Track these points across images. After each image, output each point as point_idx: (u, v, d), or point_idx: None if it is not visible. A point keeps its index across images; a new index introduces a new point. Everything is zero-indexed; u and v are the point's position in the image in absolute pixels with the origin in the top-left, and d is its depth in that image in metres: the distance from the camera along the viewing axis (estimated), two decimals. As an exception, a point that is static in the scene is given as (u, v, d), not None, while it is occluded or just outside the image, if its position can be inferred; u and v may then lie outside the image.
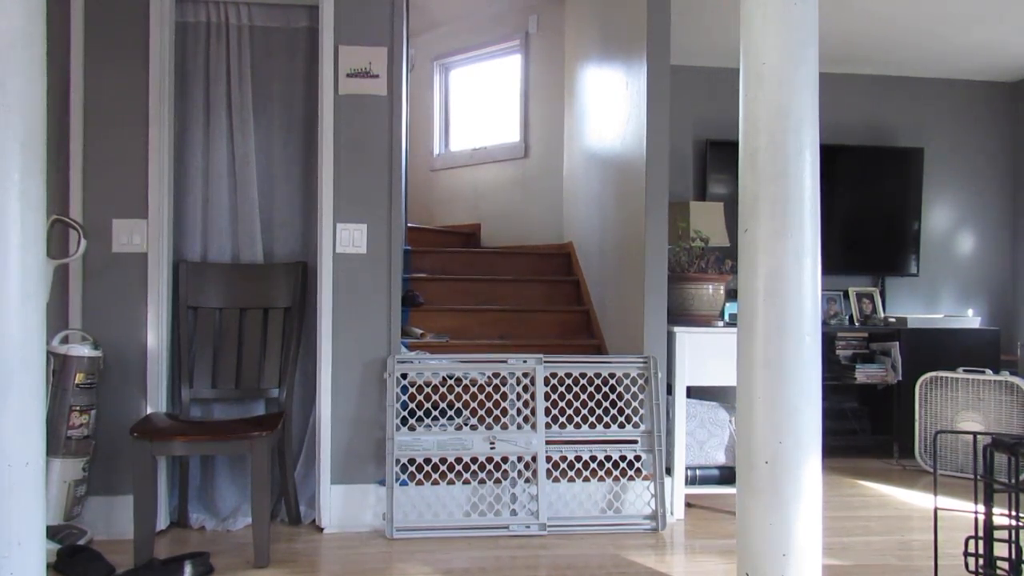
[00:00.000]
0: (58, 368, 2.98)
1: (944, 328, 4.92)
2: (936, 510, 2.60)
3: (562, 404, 3.46)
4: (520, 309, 4.42)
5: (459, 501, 3.33)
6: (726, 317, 3.91)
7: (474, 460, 3.38)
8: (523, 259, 4.98)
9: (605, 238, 4.29)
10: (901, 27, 4.51)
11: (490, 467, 3.40)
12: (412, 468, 3.37)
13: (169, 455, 3.21)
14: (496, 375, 3.48)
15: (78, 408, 3.00)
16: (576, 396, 3.55)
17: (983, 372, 4.41)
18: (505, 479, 3.36)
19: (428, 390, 3.48)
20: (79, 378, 3.00)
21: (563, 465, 3.43)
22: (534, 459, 3.34)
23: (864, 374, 4.83)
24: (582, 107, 4.81)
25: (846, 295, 5.18)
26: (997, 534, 2.52)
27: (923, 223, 5.34)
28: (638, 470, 3.48)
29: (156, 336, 3.27)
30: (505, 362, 3.46)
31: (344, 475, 3.35)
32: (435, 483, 3.33)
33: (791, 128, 2.17)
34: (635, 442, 3.45)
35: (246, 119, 3.50)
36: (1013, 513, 2.43)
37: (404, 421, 3.35)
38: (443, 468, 3.37)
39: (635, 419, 3.48)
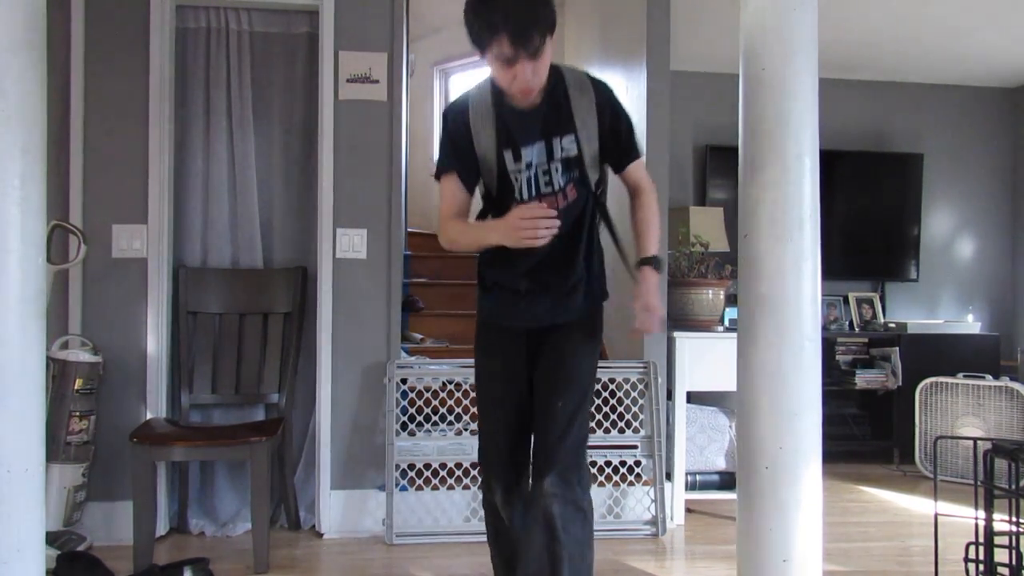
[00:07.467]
0: (58, 374, 2.97)
1: (944, 333, 4.92)
2: (936, 516, 2.59)
3: (562, 409, 3.45)
4: (520, 314, 4.40)
5: (459, 507, 3.32)
6: (726, 322, 3.90)
7: (474, 465, 3.37)
8: (523, 264, 4.97)
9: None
10: (901, 33, 4.52)
11: (490, 472, 3.39)
12: (412, 473, 3.36)
13: (169, 460, 3.21)
14: (496, 380, 3.47)
15: (78, 414, 2.99)
16: (576, 401, 3.53)
17: (983, 377, 4.40)
18: (505, 484, 3.34)
19: (428, 395, 3.47)
20: (79, 384, 2.99)
21: (563, 470, 3.41)
22: (534, 464, 3.33)
23: (864, 380, 4.82)
24: (582, 112, 4.79)
25: (846, 300, 5.18)
26: (998, 540, 2.52)
27: (923, 229, 5.33)
28: (638, 475, 3.47)
29: (156, 341, 3.27)
30: (505, 367, 3.45)
31: (344, 480, 3.35)
32: (435, 488, 3.33)
33: (791, 133, 2.16)
34: (635, 447, 3.44)
35: (246, 124, 3.50)
36: (1014, 519, 2.43)
37: (404, 426, 3.34)
38: (443, 473, 3.36)
39: (635, 424, 3.47)
